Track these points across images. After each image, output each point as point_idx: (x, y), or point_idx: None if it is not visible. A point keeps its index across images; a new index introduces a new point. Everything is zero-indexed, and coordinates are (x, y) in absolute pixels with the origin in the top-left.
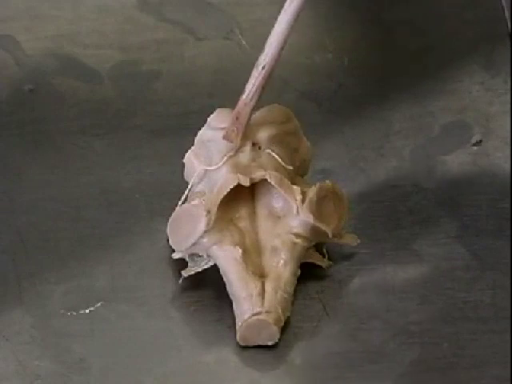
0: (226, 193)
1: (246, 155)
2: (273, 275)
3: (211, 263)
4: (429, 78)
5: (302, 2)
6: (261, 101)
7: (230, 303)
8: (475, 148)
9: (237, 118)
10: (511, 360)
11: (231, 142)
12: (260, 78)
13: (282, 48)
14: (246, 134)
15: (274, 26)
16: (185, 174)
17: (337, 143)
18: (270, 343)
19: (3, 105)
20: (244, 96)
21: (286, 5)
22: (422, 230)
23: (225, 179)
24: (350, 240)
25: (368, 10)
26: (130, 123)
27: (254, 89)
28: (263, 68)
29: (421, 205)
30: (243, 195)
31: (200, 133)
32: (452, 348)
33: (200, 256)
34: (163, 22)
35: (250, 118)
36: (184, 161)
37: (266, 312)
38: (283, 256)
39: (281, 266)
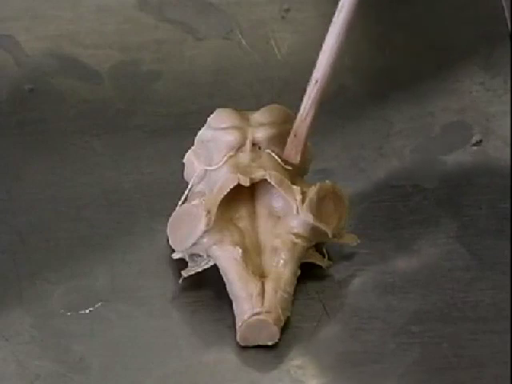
0: (225, 193)
1: (245, 155)
2: (273, 275)
3: (211, 263)
4: (429, 78)
5: (350, 13)
6: (261, 101)
7: (230, 303)
8: (475, 148)
9: (295, 136)
10: (511, 360)
11: (291, 161)
12: (314, 93)
13: (334, 61)
14: (245, 133)
15: (324, 40)
16: (185, 174)
17: (337, 143)
18: (269, 343)
19: (3, 105)
20: (300, 113)
21: (335, 17)
22: (422, 229)
23: (225, 179)
24: (350, 240)
25: (368, 10)
26: (129, 123)
27: (309, 105)
28: (316, 82)
29: (421, 205)
30: (243, 195)
31: (200, 133)
32: (452, 348)
33: (200, 256)
34: (163, 22)
35: (308, 135)
36: (184, 161)
37: (266, 312)
38: (283, 256)
39: (281, 266)
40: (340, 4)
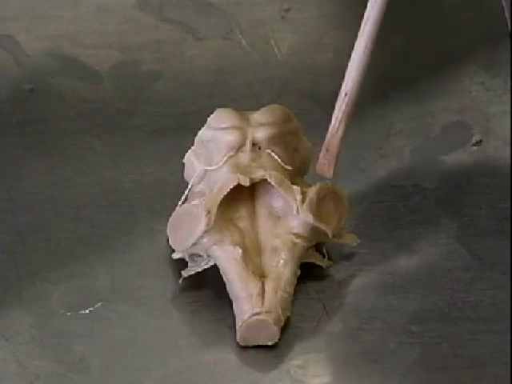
0: (225, 193)
1: (246, 155)
2: (273, 275)
3: (211, 263)
4: (429, 78)
5: (376, 25)
6: (261, 101)
7: (230, 303)
8: (475, 148)
9: (327, 150)
10: (511, 360)
11: (325, 175)
12: (344, 105)
13: (362, 73)
14: (245, 133)
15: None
16: (185, 174)
17: None
18: (269, 343)
19: (3, 105)
20: (331, 127)
21: (361, 30)
22: (422, 229)
23: (225, 179)
24: (350, 240)
25: None
26: (129, 123)
27: (340, 118)
28: (346, 95)
29: (421, 205)
30: (243, 195)
31: (200, 133)
32: (452, 348)
33: (200, 256)
34: (163, 22)
35: (340, 148)
36: (184, 161)
37: (266, 312)
38: (283, 256)
39: (281, 266)
40: (365, 16)
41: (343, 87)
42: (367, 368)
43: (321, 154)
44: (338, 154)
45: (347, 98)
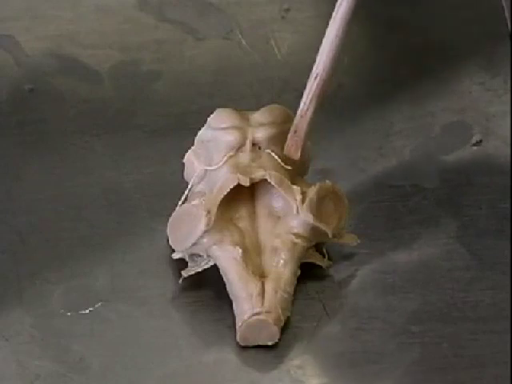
0: (225, 193)
1: (245, 155)
2: (273, 275)
3: (211, 263)
4: (429, 78)
5: (350, 8)
6: (261, 101)
7: (230, 303)
8: (475, 148)
9: (295, 132)
10: (511, 360)
11: (292, 157)
12: (313, 88)
13: (335, 56)
14: (245, 133)
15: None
16: (185, 174)
17: (337, 143)
18: (269, 343)
19: (3, 105)
20: (300, 109)
21: (334, 13)
22: (422, 229)
23: (225, 179)
24: (350, 240)
25: (368, 10)
26: (129, 123)
27: (309, 100)
28: (316, 77)
29: (421, 205)
30: (243, 195)
31: (200, 133)
32: (452, 348)
33: (200, 256)
34: (163, 22)
35: (308, 131)
36: (184, 161)
37: (266, 312)
38: (283, 256)
39: (281, 266)
40: None
41: (314, 69)
42: (367, 368)
43: (288, 136)
44: (305, 136)
45: (317, 80)
